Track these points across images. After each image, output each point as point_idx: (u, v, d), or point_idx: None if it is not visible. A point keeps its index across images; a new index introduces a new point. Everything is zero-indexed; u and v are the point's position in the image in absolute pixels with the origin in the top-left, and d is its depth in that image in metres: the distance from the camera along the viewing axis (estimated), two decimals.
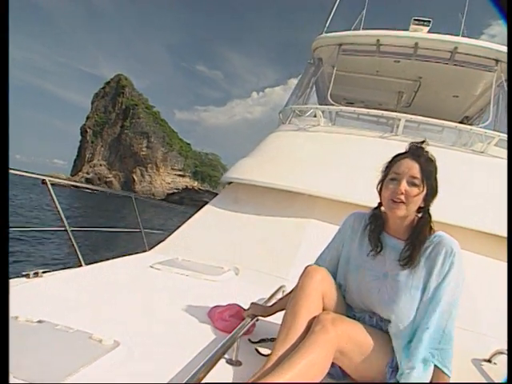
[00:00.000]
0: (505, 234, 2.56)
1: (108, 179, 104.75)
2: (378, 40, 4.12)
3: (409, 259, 1.24)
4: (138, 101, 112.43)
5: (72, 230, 2.71)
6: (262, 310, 1.56)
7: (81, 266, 2.48)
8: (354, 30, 4.88)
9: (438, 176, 1.29)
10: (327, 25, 4.59)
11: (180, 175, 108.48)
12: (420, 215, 1.30)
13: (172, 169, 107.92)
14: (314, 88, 5.10)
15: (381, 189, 1.33)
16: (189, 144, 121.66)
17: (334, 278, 1.41)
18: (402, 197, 1.22)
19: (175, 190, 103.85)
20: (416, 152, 1.28)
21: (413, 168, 1.23)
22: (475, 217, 2.69)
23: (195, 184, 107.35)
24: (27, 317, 1.30)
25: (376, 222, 1.37)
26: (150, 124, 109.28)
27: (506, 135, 3.25)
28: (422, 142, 1.32)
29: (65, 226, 2.67)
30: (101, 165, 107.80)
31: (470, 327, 2.12)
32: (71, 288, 1.85)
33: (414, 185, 1.22)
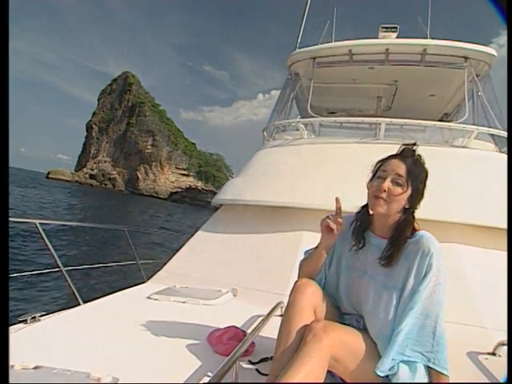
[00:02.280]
0: (498, 224, 2.58)
1: (112, 176, 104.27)
2: (350, 50, 4.24)
3: (388, 259, 1.25)
4: (144, 99, 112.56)
5: (67, 270, 2.71)
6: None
7: (79, 304, 2.46)
8: (324, 40, 5.02)
9: (428, 179, 1.31)
10: (299, 40, 4.71)
11: (184, 174, 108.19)
12: (404, 216, 1.30)
13: (176, 168, 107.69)
14: (295, 102, 5.20)
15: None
16: (194, 144, 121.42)
17: (321, 279, 1.43)
18: (384, 194, 1.24)
19: (179, 189, 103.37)
20: (405, 153, 1.31)
21: (399, 167, 1.26)
22: (465, 210, 2.72)
23: (199, 184, 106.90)
24: (23, 364, 1.29)
25: (362, 220, 1.39)
26: (156, 122, 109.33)
27: (484, 128, 3.32)
28: (414, 144, 1.34)
29: (59, 267, 2.66)
30: (105, 161, 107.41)
31: (471, 322, 2.12)
32: (69, 329, 1.83)
33: (398, 184, 1.24)
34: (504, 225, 2.51)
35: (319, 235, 2.88)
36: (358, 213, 1.42)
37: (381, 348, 1.20)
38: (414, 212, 1.30)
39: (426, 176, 1.30)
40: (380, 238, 1.33)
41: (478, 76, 3.87)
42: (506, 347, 1.78)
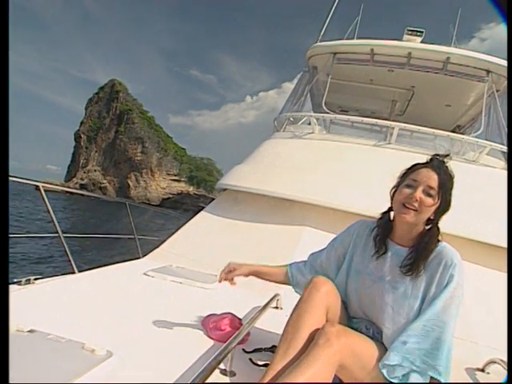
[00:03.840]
0: (497, 242, 2.58)
1: (103, 185, 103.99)
2: (372, 49, 4.18)
3: (411, 267, 1.22)
4: (132, 106, 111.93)
5: (65, 237, 2.69)
6: (244, 270, 1.62)
7: (74, 272, 2.45)
8: (348, 37, 4.95)
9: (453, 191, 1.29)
10: (322, 33, 4.64)
11: (175, 180, 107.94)
12: (428, 227, 1.28)
13: (167, 174, 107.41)
14: (309, 96, 5.15)
15: (394, 193, 1.32)
16: (184, 149, 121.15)
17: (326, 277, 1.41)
18: (416, 204, 1.21)
19: (170, 195, 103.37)
20: (437, 164, 1.27)
21: (431, 178, 1.22)
22: (468, 226, 2.71)
23: (190, 189, 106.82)
24: (18, 326, 1.28)
25: (383, 226, 1.37)
26: (145, 129, 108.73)
27: (497, 145, 3.30)
28: (446, 155, 1.31)
29: (58, 232, 2.64)
30: (95, 170, 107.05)
31: (462, 336, 2.13)
32: (64, 296, 1.82)
33: (430, 195, 1.21)
34: (504, 243, 2.51)
35: (319, 231, 2.91)
36: (380, 219, 1.39)
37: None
38: (438, 223, 1.28)
39: (452, 186, 1.28)
40: (399, 246, 1.31)
41: (497, 91, 3.83)
42: (495, 365, 1.78)
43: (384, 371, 1.13)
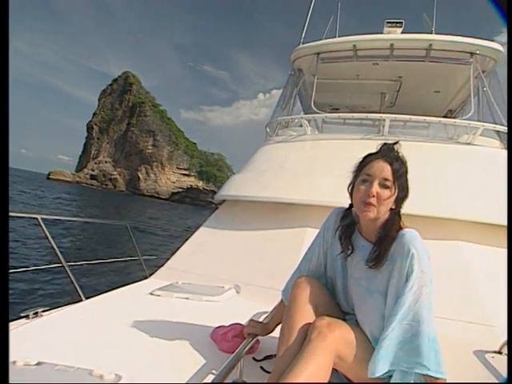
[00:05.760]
0: (502, 222, 2.56)
1: (113, 176, 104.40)
2: (354, 45, 4.19)
3: (375, 261, 1.21)
4: (144, 99, 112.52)
5: (69, 265, 2.70)
6: (261, 328, 1.51)
7: (81, 300, 2.45)
8: (328, 35, 4.98)
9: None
10: (303, 35, 4.67)
11: (185, 174, 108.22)
12: (389, 216, 1.26)
13: (177, 168, 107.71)
14: (298, 98, 5.16)
15: (352, 189, 1.31)
16: (194, 143, 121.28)
17: (322, 277, 1.40)
18: (374, 199, 1.19)
19: (180, 189, 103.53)
20: (387, 153, 1.26)
21: (384, 170, 1.21)
22: (469, 207, 2.69)
23: (200, 184, 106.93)
24: (25, 360, 1.27)
25: (347, 224, 1.36)
26: (157, 122, 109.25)
27: (489, 124, 3.29)
28: (395, 143, 1.30)
29: (61, 262, 2.65)
30: (106, 162, 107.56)
31: (476, 320, 2.10)
32: (71, 325, 1.82)
33: (386, 187, 1.20)
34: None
35: None
36: (342, 218, 1.38)
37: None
38: (399, 211, 1.26)
39: (407, 171, 1.26)
40: (366, 241, 1.30)
41: (483, 72, 3.82)
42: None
43: (374, 377, 1.10)
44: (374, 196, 1.19)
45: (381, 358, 1.10)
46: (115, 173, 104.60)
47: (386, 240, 1.21)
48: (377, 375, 1.09)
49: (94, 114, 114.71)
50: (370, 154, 1.30)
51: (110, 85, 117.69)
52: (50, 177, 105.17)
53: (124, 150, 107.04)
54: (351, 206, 1.35)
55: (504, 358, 1.73)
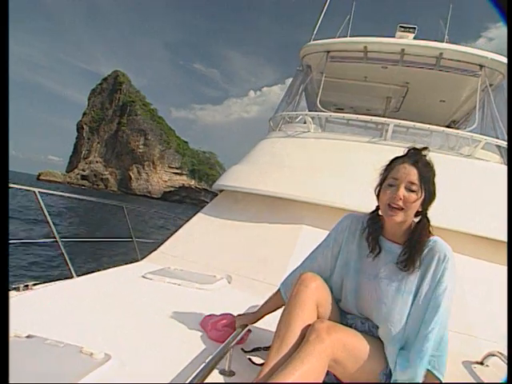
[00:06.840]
0: (497, 237, 2.59)
1: (104, 176, 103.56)
2: (365, 47, 4.18)
3: (407, 262, 1.24)
4: (135, 97, 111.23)
5: (63, 241, 2.69)
6: (250, 318, 1.55)
7: (72, 277, 2.45)
8: (341, 35, 4.96)
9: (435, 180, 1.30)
10: (315, 32, 4.65)
11: (177, 173, 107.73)
12: (418, 220, 1.30)
13: (169, 167, 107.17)
14: (304, 94, 5.15)
15: (379, 192, 1.32)
16: (186, 142, 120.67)
17: (326, 279, 1.40)
18: (401, 203, 1.22)
19: (172, 188, 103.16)
20: (414, 157, 1.27)
21: (411, 174, 1.23)
22: (464, 220, 2.72)
23: (192, 182, 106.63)
24: (16, 331, 1.28)
25: (374, 226, 1.37)
26: (148, 121, 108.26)
27: (492, 139, 3.31)
28: (424, 148, 1.31)
29: (55, 237, 2.64)
30: (97, 162, 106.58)
31: (461, 330, 2.14)
32: (62, 301, 1.82)
33: (412, 191, 1.22)
34: (503, 237, 2.52)
35: (318, 229, 2.91)
36: (370, 219, 1.39)
37: (390, 353, 1.20)
38: (426, 214, 1.29)
39: (434, 175, 1.29)
40: (392, 243, 1.32)
41: (491, 85, 3.84)
42: (494, 358, 1.79)
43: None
44: (400, 199, 1.22)
45: (423, 364, 1.14)
46: (106, 173, 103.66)
47: (419, 244, 1.25)
48: (417, 380, 1.13)
49: (84, 114, 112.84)
50: (397, 158, 1.32)
51: (100, 84, 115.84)
52: (41, 178, 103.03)
53: (115, 150, 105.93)
54: (377, 208, 1.37)
55: (485, 369, 1.77)
